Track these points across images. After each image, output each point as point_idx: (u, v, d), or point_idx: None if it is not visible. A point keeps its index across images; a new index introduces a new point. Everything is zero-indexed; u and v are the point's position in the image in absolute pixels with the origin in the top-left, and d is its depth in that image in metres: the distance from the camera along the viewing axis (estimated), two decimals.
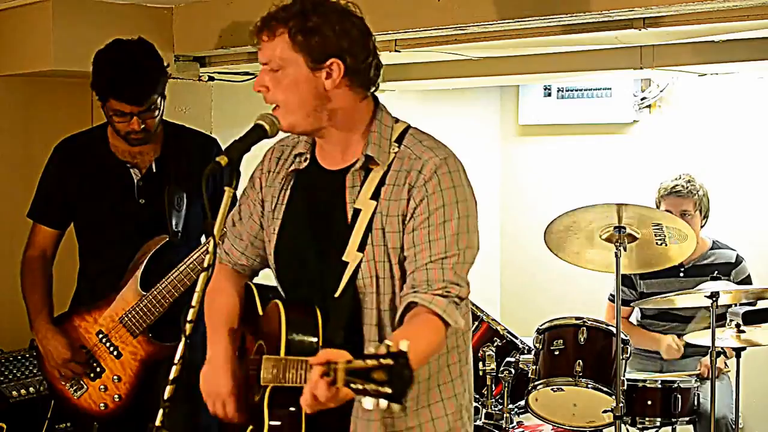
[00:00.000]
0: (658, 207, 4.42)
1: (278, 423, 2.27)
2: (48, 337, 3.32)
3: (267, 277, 2.57)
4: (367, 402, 1.76)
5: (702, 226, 4.42)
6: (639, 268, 4.17)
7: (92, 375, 3.35)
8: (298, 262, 2.39)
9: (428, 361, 2.27)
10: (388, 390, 1.71)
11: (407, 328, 2.18)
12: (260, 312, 2.45)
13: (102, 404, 3.34)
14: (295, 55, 2.22)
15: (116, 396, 3.34)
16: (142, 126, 3.23)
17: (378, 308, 2.27)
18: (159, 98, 3.27)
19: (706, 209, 4.41)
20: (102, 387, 3.34)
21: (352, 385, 1.77)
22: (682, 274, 4.39)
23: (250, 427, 2.36)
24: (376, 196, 2.27)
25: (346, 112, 2.29)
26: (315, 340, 2.26)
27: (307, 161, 2.39)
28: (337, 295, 2.27)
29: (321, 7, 2.24)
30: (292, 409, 2.23)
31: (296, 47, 2.21)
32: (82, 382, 3.35)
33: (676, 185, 4.36)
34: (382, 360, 1.72)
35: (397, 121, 2.36)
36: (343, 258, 2.27)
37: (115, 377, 3.34)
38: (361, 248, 2.26)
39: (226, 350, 2.45)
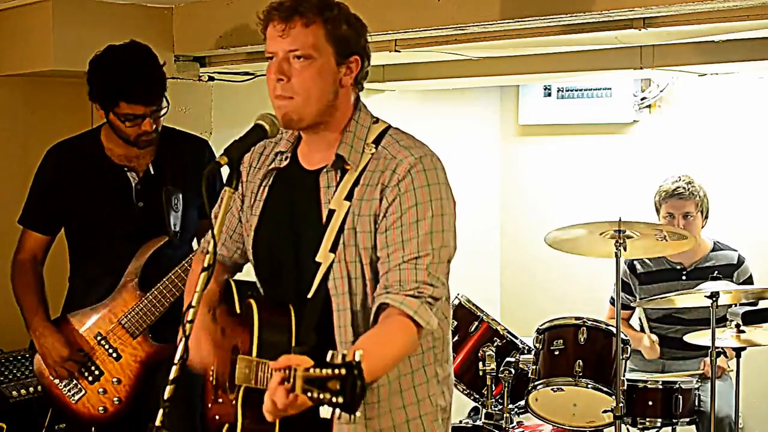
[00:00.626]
0: (658, 210, 4.42)
1: (252, 422, 2.27)
2: (45, 335, 3.31)
3: (248, 273, 2.58)
4: (324, 410, 1.76)
5: (702, 227, 4.42)
6: (643, 254, 4.21)
7: (90, 378, 3.34)
8: (275, 260, 2.40)
9: (400, 362, 2.27)
10: (341, 400, 1.70)
11: (377, 330, 2.18)
12: (237, 311, 2.45)
13: (101, 408, 3.33)
14: (327, 46, 2.24)
15: (116, 399, 3.33)
16: (154, 126, 3.22)
17: (351, 309, 2.27)
18: (164, 99, 3.27)
19: (706, 210, 4.40)
20: (101, 390, 3.33)
21: (309, 394, 1.77)
22: (684, 277, 4.39)
23: (226, 426, 2.36)
24: (350, 196, 2.27)
25: (341, 111, 2.32)
26: (287, 340, 2.26)
27: (288, 160, 2.40)
28: (309, 295, 2.28)
29: (343, 6, 2.30)
30: None
31: (330, 38, 2.24)
32: (80, 385, 3.34)
33: (678, 187, 4.35)
34: (336, 370, 1.72)
35: (376, 121, 2.37)
36: (316, 258, 2.27)
37: (115, 380, 3.33)
38: (333, 249, 2.26)
39: (203, 321, 2.42)
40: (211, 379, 2.49)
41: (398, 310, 2.18)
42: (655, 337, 4.39)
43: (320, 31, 2.23)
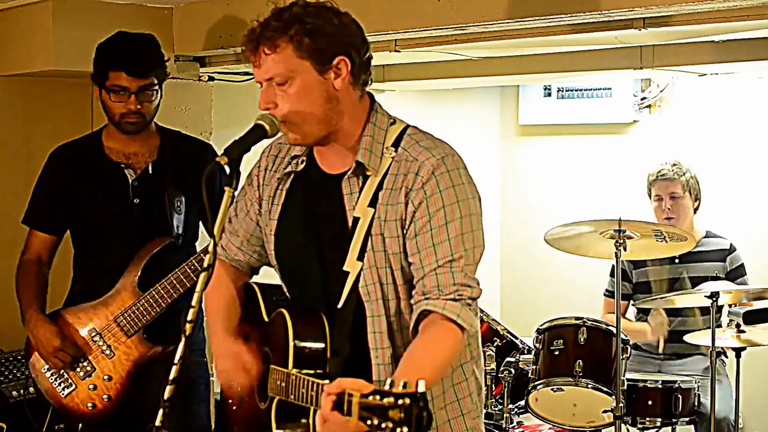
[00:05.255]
0: (649, 195, 4.47)
1: None
2: (38, 326, 3.32)
3: (268, 276, 2.56)
4: None
5: (696, 209, 4.45)
6: (643, 256, 4.21)
7: (82, 373, 3.34)
8: (299, 267, 2.36)
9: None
10: (405, 430, 1.69)
11: (424, 338, 2.16)
12: (265, 318, 2.42)
13: (90, 404, 3.33)
14: (302, 62, 2.16)
15: (105, 396, 3.32)
16: (138, 107, 3.22)
17: (386, 314, 2.25)
18: (157, 85, 3.28)
19: (696, 191, 4.45)
20: (91, 386, 3.33)
21: (368, 421, 1.75)
22: (677, 260, 4.41)
23: None
24: (374, 202, 2.23)
25: (349, 115, 2.25)
26: (322, 347, 2.23)
27: (304, 163, 2.35)
28: (339, 305, 2.25)
29: (312, 7, 2.20)
30: (303, 420, 2.21)
31: (302, 54, 2.16)
32: (70, 380, 3.34)
33: (662, 170, 4.45)
34: (399, 399, 1.70)
35: (393, 122, 2.31)
36: (344, 268, 2.24)
37: (106, 377, 3.32)
38: (361, 257, 2.23)
39: (233, 338, 2.42)
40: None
41: (441, 315, 2.16)
42: (662, 317, 4.36)
43: (288, 51, 2.15)
